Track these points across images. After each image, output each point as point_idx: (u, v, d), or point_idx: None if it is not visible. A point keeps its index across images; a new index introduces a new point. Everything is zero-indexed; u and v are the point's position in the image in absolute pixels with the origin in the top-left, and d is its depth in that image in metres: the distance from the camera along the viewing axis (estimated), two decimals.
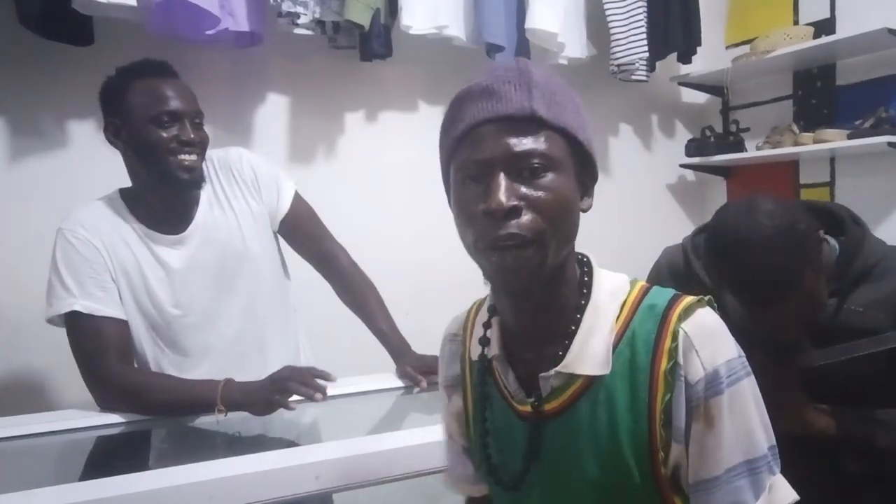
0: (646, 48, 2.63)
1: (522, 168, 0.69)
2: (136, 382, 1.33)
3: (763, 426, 0.74)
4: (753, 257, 1.07)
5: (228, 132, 2.19)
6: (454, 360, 0.90)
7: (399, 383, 1.52)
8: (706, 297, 0.76)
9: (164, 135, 1.34)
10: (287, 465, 1.03)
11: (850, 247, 1.22)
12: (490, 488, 0.87)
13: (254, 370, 1.37)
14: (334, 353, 1.82)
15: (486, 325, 0.82)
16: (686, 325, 0.72)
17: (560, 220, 0.71)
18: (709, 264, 1.22)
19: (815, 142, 2.48)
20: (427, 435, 1.10)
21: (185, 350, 1.43)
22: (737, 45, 2.94)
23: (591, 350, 0.74)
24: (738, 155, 2.81)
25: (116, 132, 1.38)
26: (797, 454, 1.19)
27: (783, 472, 0.75)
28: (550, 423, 0.76)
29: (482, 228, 0.70)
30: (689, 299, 0.75)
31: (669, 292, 0.76)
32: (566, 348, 0.75)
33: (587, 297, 0.77)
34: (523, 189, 0.69)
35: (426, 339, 1.68)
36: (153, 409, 1.33)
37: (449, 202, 0.79)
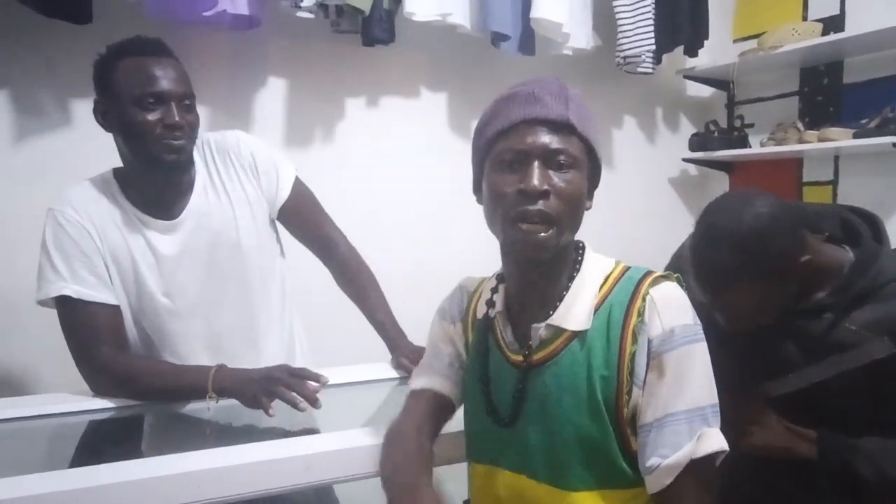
0: (653, 41, 2.60)
1: (553, 162, 0.87)
2: (128, 368, 1.31)
3: (707, 386, 0.88)
4: (715, 244, 1.12)
5: (227, 115, 2.17)
6: (460, 305, 1.09)
7: (394, 374, 1.51)
8: (675, 274, 0.94)
9: (149, 118, 1.28)
10: (276, 457, 1.02)
11: (862, 262, 1.18)
12: (484, 429, 1.00)
13: (247, 360, 1.36)
14: (330, 340, 1.81)
15: (494, 290, 1.00)
16: (654, 291, 0.90)
17: (574, 210, 0.89)
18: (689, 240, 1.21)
19: (820, 140, 2.46)
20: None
21: (174, 340, 1.41)
22: (744, 38, 2.91)
23: (576, 310, 0.92)
24: (742, 151, 2.79)
25: (104, 113, 1.33)
26: (768, 471, 1.19)
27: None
28: (537, 370, 0.93)
29: (514, 204, 0.86)
30: (659, 273, 0.93)
31: (645, 269, 0.94)
32: (555, 306, 0.93)
33: (577, 270, 0.95)
34: (552, 178, 0.87)
35: (422, 325, 1.66)
36: (145, 395, 1.31)
37: (475, 187, 0.97)
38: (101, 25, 1.89)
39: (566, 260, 0.95)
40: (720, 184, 3.08)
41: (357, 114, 2.40)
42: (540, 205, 0.85)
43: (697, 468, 0.85)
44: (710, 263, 1.13)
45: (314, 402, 1.19)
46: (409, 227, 2.47)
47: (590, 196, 0.94)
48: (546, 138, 0.87)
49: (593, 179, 0.94)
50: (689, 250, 1.18)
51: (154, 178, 1.36)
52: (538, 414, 0.93)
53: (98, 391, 1.34)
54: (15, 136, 1.91)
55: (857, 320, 1.14)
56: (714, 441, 0.86)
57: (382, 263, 1.67)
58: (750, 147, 2.81)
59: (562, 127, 0.87)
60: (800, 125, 2.61)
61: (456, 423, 1.09)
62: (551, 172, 0.87)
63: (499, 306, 0.99)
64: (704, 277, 1.15)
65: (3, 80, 1.89)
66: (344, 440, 1.09)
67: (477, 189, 0.96)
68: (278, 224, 1.57)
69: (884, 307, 1.13)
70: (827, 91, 2.66)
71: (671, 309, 0.89)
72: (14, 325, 1.88)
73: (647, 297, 0.89)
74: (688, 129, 3.11)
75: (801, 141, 2.54)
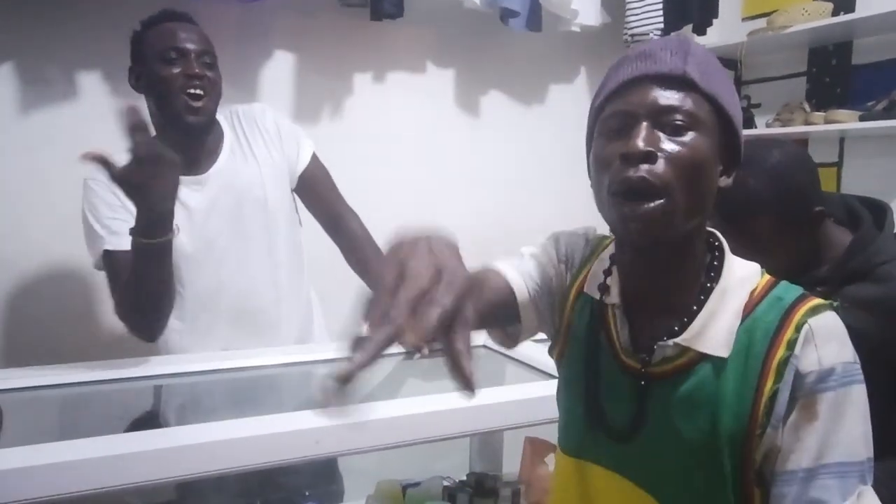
0: (661, 19, 2.58)
1: (666, 123, 0.72)
2: (126, 277, 1.34)
3: (864, 436, 0.73)
4: (742, 171, 1.14)
5: (234, 88, 2.15)
6: (579, 253, 0.90)
7: (400, 349, 1.53)
8: (836, 303, 0.77)
9: (171, 70, 1.37)
10: (288, 430, 1.04)
11: (859, 242, 1.22)
12: (586, 427, 0.85)
13: (269, 314, 1.41)
14: (338, 314, 1.83)
15: (607, 273, 0.83)
16: (813, 321, 0.73)
17: (693, 180, 0.72)
18: None
19: (827, 122, 2.45)
20: (426, 404, 1.12)
21: (202, 293, 1.46)
22: (753, 17, 2.89)
23: (714, 330, 0.75)
24: (748, 131, 2.78)
25: (137, 77, 1.43)
26: None
27: None
28: (656, 385, 0.78)
29: (616, 175, 0.72)
30: (818, 300, 0.76)
31: (799, 289, 0.77)
32: (683, 323, 0.76)
33: (716, 279, 0.78)
34: (663, 141, 0.71)
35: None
36: (149, 286, 1.32)
37: (588, 166, 0.80)
38: None
39: (695, 258, 0.78)
40: None
41: (364, 88, 2.39)
42: (643, 170, 0.70)
43: None
44: (734, 191, 1.14)
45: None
46: (414, 203, 2.47)
47: (727, 172, 0.77)
48: (656, 94, 0.72)
49: (727, 151, 0.77)
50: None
51: (181, 139, 1.41)
52: (653, 426, 0.79)
53: (135, 329, 1.37)
54: (21, 107, 1.91)
55: (851, 296, 1.18)
56: (872, 501, 0.72)
57: (386, 239, 1.68)
58: (756, 127, 2.81)
59: (677, 81, 0.72)
60: (806, 106, 2.60)
61: None
62: (663, 135, 0.72)
63: (614, 296, 0.82)
64: (725, 205, 1.16)
65: (9, 52, 1.88)
66: (355, 413, 1.10)
67: (590, 173, 0.81)
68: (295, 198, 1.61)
69: (877, 287, 1.17)
70: (835, 72, 2.65)
71: (832, 343, 0.73)
72: (24, 292, 1.90)
73: (804, 328, 0.72)
74: None
75: (807, 122, 2.54)
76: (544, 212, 2.53)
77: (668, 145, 0.71)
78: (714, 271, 0.78)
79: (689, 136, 0.72)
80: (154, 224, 1.25)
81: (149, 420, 1.27)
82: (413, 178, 2.48)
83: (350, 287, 1.64)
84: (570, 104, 2.70)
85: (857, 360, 0.75)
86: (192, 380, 1.33)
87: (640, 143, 0.70)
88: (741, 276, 0.78)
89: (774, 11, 2.61)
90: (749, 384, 0.73)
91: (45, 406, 1.31)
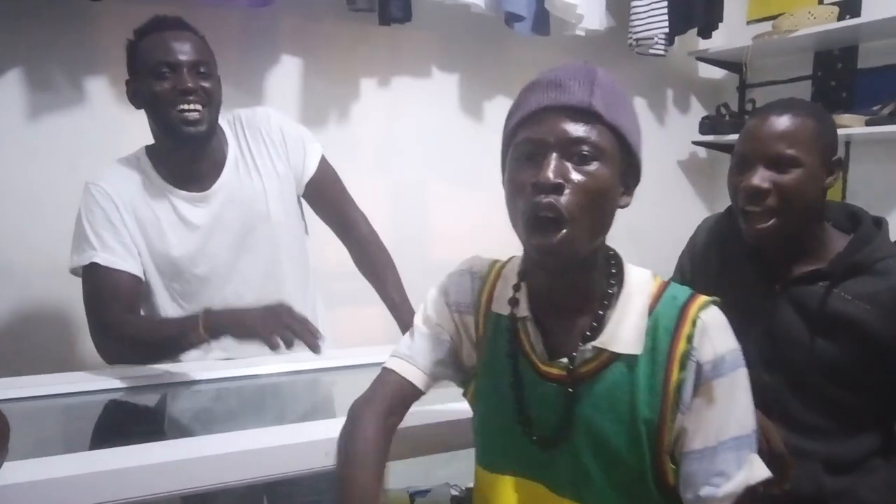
0: (666, 23, 2.58)
1: (573, 153, 0.79)
2: (130, 326, 1.34)
3: (750, 410, 0.85)
4: (780, 107, 1.21)
5: (240, 92, 2.16)
6: (471, 292, 0.97)
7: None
8: (718, 300, 0.87)
9: (163, 86, 1.33)
10: (297, 441, 1.04)
11: (859, 239, 1.24)
12: (510, 439, 0.91)
13: None
14: (347, 318, 1.83)
15: (516, 288, 0.91)
16: (704, 315, 0.83)
17: (596, 206, 0.80)
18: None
19: None
20: (432, 416, 1.11)
21: (204, 306, 1.43)
22: (758, 20, 2.88)
23: (625, 332, 0.84)
24: None
25: (134, 92, 1.40)
26: None
27: None
28: (580, 388, 0.85)
29: (527, 200, 0.79)
30: (705, 297, 0.86)
31: (687, 289, 0.88)
32: (594, 328, 0.85)
33: (618, 286, 0.87)
34: (570, 171, 0.78)
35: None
36: (148, 353, 1.34)
37: (503, 183, 0.87)
38: (115, 2, 1.88)
39: (598, 269, 0.87)
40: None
41: (370, 93, 2.39)
42: (552, 198, 0.77)
43: (747, 496, 0.82)
44: (773, 105, 1.24)
45: (316, 347, 1.20)
46: (420, 207, 2.47)
47: (627, 192, 0.85)
48: (565, 126, 0.78)
49: (628, 175, 0.84)
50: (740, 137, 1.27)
51: (181, 152, 1.40)
52: (575, 433, 0.86)
53: (107, 357, 1.37)
54: (28, 112, 1.91)
55: (851, 290, 1.20)
56: (761, 468, 0.84)
57: (392, 242, 1.68)
58: None
59: (584, 114, 0.79)
60: None
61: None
62: (571, 165, 0.78)
63: (524, 310, 0.90)
64: (774, 104, 1.23)
65: (16, 57, 1.88)
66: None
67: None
68: (303, 202, 1.60)
69: (878, 281, 1.19)
70: (840, 76, 2.65)
71: (721, 334, 0.84)
72: (29, 299, 1.90)
73: (698, 322, 0.83)
74: (698, 111, 3.09)
75: None
76: None
77: (575, 175, 0.78)
78: (614, 279, 0.87)
79: (593, 166, 0.79)
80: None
81: (155, 430, 1.26)
82: (418, 181, 2.48)
83: (358, 292, 1.66)
84: None
85: (739, 347, 0.85)
86: (198, 388, 1.33)
87: (550, 175, 0.77)
88: (638, 281, 0.88)
89: (780, 15, 2.60)
90: (658, 377, 0.82)
91: (51, 416, 1.30)
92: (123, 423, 1.30)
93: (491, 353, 0.93)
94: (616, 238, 0.96)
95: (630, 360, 0.83)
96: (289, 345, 1.19)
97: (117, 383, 1.34)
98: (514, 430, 0.90)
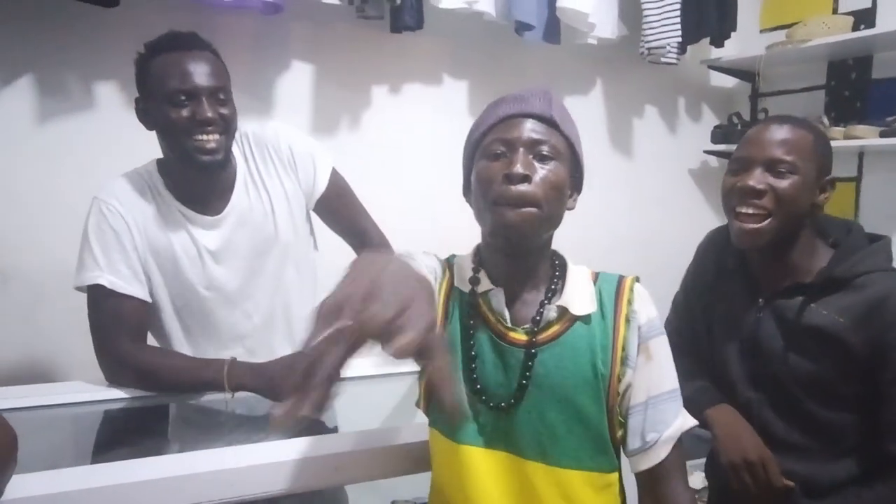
0: (679, 32, 2.57)
1: (536, 153, 0.92)
2: (144, 361, 1.32)
3: (673, 369, 0.98)
4: (781, 118, 1.26)
5: (251, 99, 2.16)
6: (437, 264, 1.04)
7: (416, 367, 1.52)
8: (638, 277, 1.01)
9: (182, 114, 1.28)
10: (308, 456, 1.03)
11: (842, 254, 1.25)
12: (448, 411, 0.92)
13: (282, 351, 1.37)
14: None
15: (476, 270, 1.00)
16: (636, 286, 0.99)
17: (556, 198, 0.92)
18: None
19: (846, 137, 2.43)
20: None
21: (213, 331, 1.43)
22: (771, 29, 2.87)
23: (578, 297, 0.96)
24: None
25: (144, 111, 1.35)
26: None
27: None
28: (543, 350, 0.94)
29: (499, 190, 0.90)
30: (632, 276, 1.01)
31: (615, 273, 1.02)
32: (552, 293, 0.97)
33: (562, 267, 1.00)
34: (535, 165, 0.92)
35: None
36: (161, 388, 1.33)
37: (465, 186, 1.02)
38: (128, 9, 1.89)
39: (546, 259, 1.00)
40: None
41: (381, 100, 2.38)
42: (523, 187, 0.89)
43: (681, 443, 0.97)
44: (774, 116, 1.29)
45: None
46: (429, 214, 2.46)
47: (573, 195, 0.99)
48: (530, 129, 0.93)
49: (576, 181, 0.99)
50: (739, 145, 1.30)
51: (194, 176, 1.37)
52: (534, 393, 0.93)
53: (112, 380, 1.35)
54: (40, 118, 1.91)
55: (829, 304, 1.21)
56: (690, 418, 0.99)
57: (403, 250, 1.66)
58: None
59: (545, 121, 0.93)
60: (825, 120, 2.57)
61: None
62: (535, 162, 0.92)
63: (487, 284, 0.98)
64: (773, 117, 1.28)
65: (28, 63, 1.88)
66: (372, 439, 1.09)
67: (466, 189, 1.02)
68: (313, 215, 1.57)
69: (855, 296, 1.20)
70: (854, 86, 2.63)
71: (649, 301, 0.99)
72: (40, 306, 1.90)
73: (635, 289, 0.98)
74: (710, 119, 3.07)
75: None
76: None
77: (539, 170, 0.91)
78: (559, 261, 1.01)
79: (552, 164, 0.92)
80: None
81: (162, 443, 1.25)
82: (428, 188, 2.47)
83: None
84: (585, 117, 2.66)
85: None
86: (204, 400, 1.32)
87: (520, 168, 0.89)
88: (578, 269, 1.01)
89: (793, 24, 2.59)
90: (608, 335, 0.95)
91: (62, 426, 1.30)
92: (132, 434, 1.29)
93: (450, 327, 0.99)
94: (627, 246, 0.99)
95: (586, 320, 0.95)
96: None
97: (127, 393, 1.34)
98: (470, 400, 0.96)
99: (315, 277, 1.60)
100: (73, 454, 1.20)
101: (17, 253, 1.89)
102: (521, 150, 0.91)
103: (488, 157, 0.93)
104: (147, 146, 1.45)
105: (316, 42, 2.25)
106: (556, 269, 1.00)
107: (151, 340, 1.44)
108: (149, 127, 1.36)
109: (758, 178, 1.21)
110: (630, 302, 0.96)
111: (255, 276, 1.44)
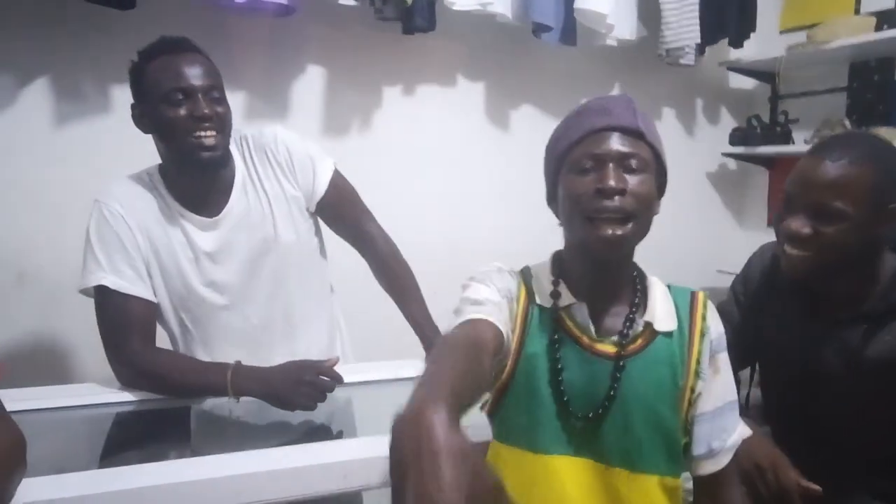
0: (697, 33, 2.54)
1: (626, 165, 0.93)
2: (153, 363, 1.32)
3: (733, 379, 1.05)
4: (838, 148, 1.13)
5: (264, 102, 2.17)
6: (509, 285, 1.01)
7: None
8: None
9: (179, 112, 1.30)
10: (315, 463, 1.02)
11: None
12: (546, 419, 0.98)
13: (283, 354, 1.37)
14: (366, 333, 1.81)
15: (555, 283, 1.02)
16: (708, 301, 1.04)
17: (647, 209, 0.95)
18: None
19: None
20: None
21: (213, 332, 1.43)
22: (792, 30, 2.82)
23: (661, 312, 1.00)
24: (785, 148, 2.72)
25: (140, 116, 1.36)
26: None
27: None
28: (629, 362, 0.97)
29: (592, 203, 0.92)
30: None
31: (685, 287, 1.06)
32: (631, 311, 0.99)
33: (641, 277, 1.03)
34: (626, 180, 0.92)
35: (453, 317, 1.65)
36: (168, 391, 1.33)
37: (550, 195, 1.03)
38: (144, 11, 1.90)
39: (629, 265, 1.03)
40: (760, 180, 3.01)
41: (394, 102, 2.38)
42: (617, 201, 0.91)
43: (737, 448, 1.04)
44: (831, 145, 1.17)
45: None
46: (441, 217, 2.46)
47: (657, 201, 0.99)
48: (619, 143, 0.94)
49: (660, 186, 1.00)
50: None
51: (193, 177, 1.38)
52: (620, 402, 0.97)
53: (123, 381, 1.36)
54: (56, 121, 1.93)
55: (893, 331, 1.14)
56: (746, 427, 1.07)
57: (413, 253, 1.66)
58: (793, 143, 2.74)
59: (632, 133, 0.94)
60: (847, 122, 2.53)
61: None
62: (625, 175, 0.93)
63: (569, 298, 1.00)
64: (834, 143, 1.17)
65: (44, 66, 1.90)
66: (383, 446, 1.08)
67: (551, 199, 1.03)
68: (319, 219, 1.57)
69: None
70: (877, 87, 2.58)
71: (718, 317, 1.04)
72: (56, 307, 1.91)
73: (707, 305, 1.03)
74: (728, 122, 3.04)
75: None
76: None
77: (630, 183, 0.92)
78: (637, 272, 1.04)
79: (642, 176, 0.94)
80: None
81: (173, 447, 1.25)
82: (442, 191, 2.46)
83: (379, 306, 1.64)
84: None
85: None
86: (215, 405, 1.31)
87: (613, 182, 0.91)
88: (653, 279, 1.04)
89: (814, 25, 2.55)
90: (685, 349, 0.99)
91: (74, 428, 1.30)
92: (143, 438, 1.29)
93: (531, 342, 1.00)
94: (644, 248, 1.01)
95: (667, 335, 0.99)
96: (312, 409, 1.23)
97: (137, 396, 1.34)
98: (557, 411, 0.98)
99: (323, 279, 1.60)
100: (85, 457, 1.20)
101: (34, 254, 1.91)
102: (611, 164, 0.92)
103: (577, 171, 0.95)
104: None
105: (329, 44, 2.25)
106: (637, 281, 1.03)
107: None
108: (146, 130, 1.37)
109: (801, 223, 1.14)
110: (704, 318, 1.02)
111: (254, 278, 1.44)
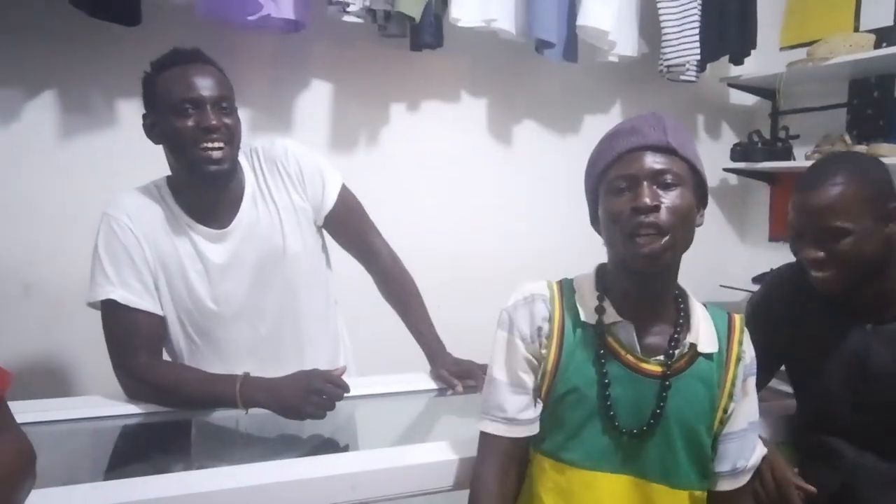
0: (698, 49, 2.56)
1: (659, 182, 0.95)
2: (162, 375, 1.33)
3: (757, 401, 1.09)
4: (823, 174, 1.19)
5: (270, 117, 2.18)
6: (539, 319, 1.04)
7: (433, 385, 1.51)
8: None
9: (187, 123, 1.30)
10: (323, 475, 1.02)
11: None
12: (588, 435, 1.01)
13: (291, 366, 1.37)
14: (371, 346, 1.81)
15: (601, 299, 1.03)
16: (745, 326, 1.07)
17: (684, 222, 0.96)
18: None
19: (869, 155, 2.39)
20: (464, 449, 1.09)
21: (220, 345, 1.43)
22: (792, 47, 2.85)
23: (704, 333, 1.03)
24: (786, 163, 2.73)
25: (151, 126, 1.37)
26: None
27: None
28: (674, 381, 1.00)
29: (630, 222, 0.94)
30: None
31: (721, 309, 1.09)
32: (676, 331, 1.02)
33: (686, 298, 1.06)
34: (661, 196, 0.95)
35: (459, 330, 1.66)
36: (176, 403, 1.33)
37: (592, 216, 1.05)
38: (150, 27, 1.92)
39: (673, 281, 1.04)
40: (761, 195, 3.02)
41: (399, 117, 2.40)
42: (652, 217, 0.93)
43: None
44: (825, 161, 1.26)
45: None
46: (445, 232, 2.47)
47: (700, 212, 1.01)
48: (650, 161, 0.95)
49: (701, 197, 1.01)
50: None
51: (202, 189, 1.38)
52: (663, 420, 1.00)
53: (130, 395, 1.36)
54: (63, 133, 1.94)
55: None
56: (763, 447, 1.10)
57: (418, 268, 1.67)
58: (794, 159, 2.75)
59: (663, 150, 0.96)
60: (847, 138, 2.54)
61: None
62: (660, 191, 0.95)
63: (614, 315, 1.02)
64: (816, 172, 1.21)
65: (52, 80, 1.92)
66: (391, 458, 1.09)
67: (594, 220, 1.05)
68: (325, 232, 1.57)
69: None
70: (877, 104, 2.60)
71: (750, 342, 1.07)
72: (60, 319, 1.92)
73: (743, 329, 1.06)
74: (729, 137, 3.05)
75: None
76: (577, 242, 2.50)
77: (665, 199, 0.94)
78: (679, 291, 1.06)
79: (677, 191, 0.95)
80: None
81: (180, 459, 1.25)
82: (447, 206, 2.47)
83: (378, 315, 1.64)
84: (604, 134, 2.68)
85: None
86: (221, 417, 1.31)
87: (648, 200, 0.93)
88: (694, 300, 1.06)
89: (814, 42, 2.57)
90: (722, 371, 1.03)
91: (81, 440, 1.30)
92: (149, 450, 1.29)
93: (571, 358, 1.02)
94: None
95: (708, 356, 1.02)
96: (322, 417, 1.23)
97: (143, 409, 1.34)
98: (603, 427, 1.00)
99: (328, 292, 1.60)
100: (91, 469, 1.20)
101: (40, 266, 1.92)
102: (645, 183, 0.94)
103: (613, 192, 0.97)
104: (166, 163, 1.46)
105: (336, 60, 2.27)
106: (680, 300, 1.05)
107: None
108: (156, 141, 1.38)
109: (813, 249, 1.19)
110: (740, 343, 1.05)
111: (263, 289, 1.44)
